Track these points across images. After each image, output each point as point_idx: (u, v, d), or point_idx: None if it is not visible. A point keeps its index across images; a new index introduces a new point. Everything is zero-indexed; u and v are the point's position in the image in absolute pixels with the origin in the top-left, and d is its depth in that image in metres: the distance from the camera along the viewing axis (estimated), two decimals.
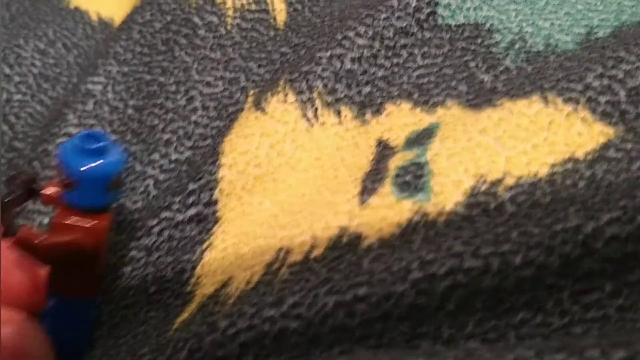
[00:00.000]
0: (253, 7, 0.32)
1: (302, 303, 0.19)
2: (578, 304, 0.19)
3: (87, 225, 0.22)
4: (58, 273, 0.22)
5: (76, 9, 0.36)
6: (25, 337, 0.20)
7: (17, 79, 0.31)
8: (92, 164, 0.22)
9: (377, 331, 0.19)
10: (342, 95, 0.27)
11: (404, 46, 0.28)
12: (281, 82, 0.27)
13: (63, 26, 0.34)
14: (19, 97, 0.31)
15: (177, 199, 0.24)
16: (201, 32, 0.31)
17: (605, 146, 0.22)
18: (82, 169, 0.22)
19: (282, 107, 0.26)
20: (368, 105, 0.26)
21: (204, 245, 0.24)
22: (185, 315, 0.22)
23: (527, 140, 0.22)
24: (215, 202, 0.24)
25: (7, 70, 0.31)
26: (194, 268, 0.23)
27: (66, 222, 0.22)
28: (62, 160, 0.22)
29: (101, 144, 0.22)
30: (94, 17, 0.35)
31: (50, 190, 0.23)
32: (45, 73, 0.32)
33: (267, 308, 0.20)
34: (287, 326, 0.19)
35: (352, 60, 0.27)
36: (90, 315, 0.23)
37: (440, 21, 0.29)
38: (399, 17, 0.28)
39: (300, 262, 0.21)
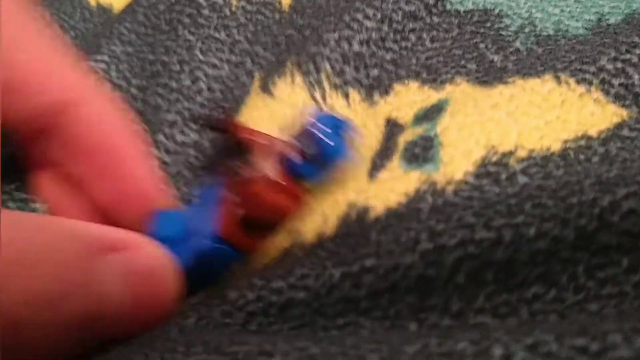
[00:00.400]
0: None
1: (309, 274, 0.19)
2: (593, 279, 0.18)
3: (300, 195, 0.22)
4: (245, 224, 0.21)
5: None
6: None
7: None
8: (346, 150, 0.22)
9: (383, 303, 0.18)
10: (350, 77, 0.26)
11: (413, 30, 0.28)
12: (288, 64, 0.27)
13: (61, 10, 0.34)
14: None
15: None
16: (205, 12, 0.30)
17: (619, 125, 0.22)
18: (344, 154, 0.22)
19: (290, 89, 0.26)
20: (376, 87, 0.26)
21: None
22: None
23: (540, 117, 0.22)
24: None
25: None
26: None
27: (288, 186, 0.22)
28: (327, 138, 0.22)
29: (345, 130, 0.23)
30: (92, 2, 0.35)
31: (274, 145, 0.22)
32: None
33: (276, 280, 0.19)
34: (293, 297, 0.19)
35: (361, 42, 0.27)
36: (230, 266, 0.22)
37: (448, 7, 0.28)
38: (407, 2, 0.28)
39: (313, 244, 0.21)
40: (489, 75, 0.24)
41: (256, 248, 0.22)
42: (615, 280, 0.18)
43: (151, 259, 0.19)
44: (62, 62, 0.22)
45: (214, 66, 0.29)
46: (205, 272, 0.21)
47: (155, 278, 0.19)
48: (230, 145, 0.23)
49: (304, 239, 0.21)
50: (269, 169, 0.22)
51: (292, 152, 0.22)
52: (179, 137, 0.27)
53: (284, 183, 0.22)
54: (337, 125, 0.22)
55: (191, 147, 0.26)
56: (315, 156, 0.22)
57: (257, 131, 0.23)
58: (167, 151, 0.26)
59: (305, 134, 0.22)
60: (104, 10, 0.35)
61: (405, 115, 0.24)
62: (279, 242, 0.22)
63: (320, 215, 0.21)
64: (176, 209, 0.24)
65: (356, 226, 0.20)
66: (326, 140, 0.22)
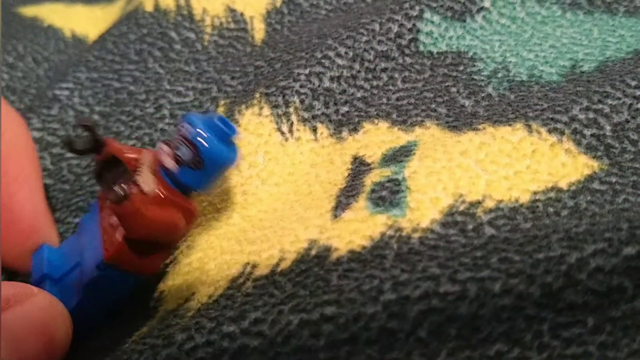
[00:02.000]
0: (232, 25, 0.31)
1: (264, 319, 0.18)
2: (558, 338, 0.17)
3: (190, 207, 0.21)
4: (133, 244, 0.20)
5: (49, 26, 0.35)
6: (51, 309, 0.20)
7: None
8: (232, 152, 0.21)
9: (343, 354, 0.17)
10: (319, 112, 0.26)
11: (385, 69, 0.27)
12: (257, 95, 0.26)
13: (35, 42, 0.34)
14: None
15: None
16: (177, 46, 0.30)
17: (590, 178, 0.22)
18: (226, 156, 0.21)
19: (257, 119, 0.25)
20: (345, 124, 0.26)
21: (168, 260, 0.22)
22: (144, 329, 0.21)
23: (509, 166, 0.22)
24: None
25: None
26: (156, 283, 0.22)
27: (173, 198, 0.20)
28: (203, 139, 0.20)
29: (234, 133, 0.21)
30: (68, 34, 0.35)
31: (145, 157, 0.21)
32: (12, 86, 0.31)
33: (227, 323, 0.18)
34: (247, 344, 0.18)
35: (331, 79, 0.26)
36: (131, 288, 0.21)
37: (422, 48, 0.28)
38: (380, 41, 0.28)
39: (266, 275, 0.20)
40: (459, 120, 0.24)
41: (155, 266, 0.21)
42: (580, 340, 0.17)
43: (35, 312, 0.20)
44: None
45: (179, 94, 0.28)
46: (102, 299, 0.21)
47: (41, 333, 0.19)
48: (103, 165, 0.22)
49: (256, 271, 0.20)
50: (144, 182, 0.20)
51: (166, 160, 0.21)
52: None
53: (163, 195, 0.20)
54: (215, 127, 0.21)
55: None
56: (194, 161, 0.20)
57: (127, 146, 0.22)
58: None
59: (180, 140, 0.21)
60: (79, 41, 0.35)
61: (373, 154, 0.24)
62: (227, 270, 0.21)
63: (278, 249, 0.21)
64: (62, 241, 0.23)
65: (316, 266, 0.20)
66: (202, 142, 0.20)
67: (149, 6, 0.32)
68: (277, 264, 0.20)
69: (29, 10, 0.37)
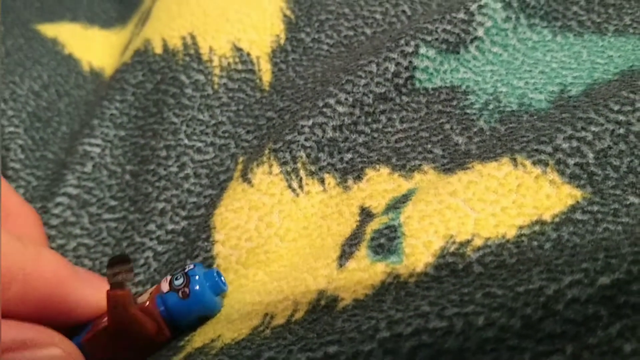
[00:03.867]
0: (239, 66, 0.33)
1: (276, 358, 0.20)
2: None
3: (166, 331, 0.24)
4: (113, 342, 0.24)
5: (70, 55, 0.37)
6: None
7: (10, 113, 0.32)
8: (215, 301, 0.24)
9: None
10: (325, 163, 0.28)
11: (383, 111, 0.29)
12: (266, 152, 0.28)
13: (57, 72, 0.36)
14: (11, 129, 0.32)
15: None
16: (188, 90, 0.32)
17: (573, 208, 0.23)
18: (210, 299, 0.24)
19: (268, 179, 0.27)
20: (350, 172, 0.27)
21: None
22: None
23: (496, 203, 0.23)
24: None
25: (2, 105, 0.33)
26: (191, 330, 0.24)
27: (156, 316, 0.24)
28: (196, 275, 0.24)
29: (226, 289, 0.25)
30: (86, 68, 0.37)
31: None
32: (38, 114, 0.33)
33: None
34: None
35: (334, 128, 0.28)
36: None
37: (417, 85, 0.30)
38: (378, 83, 0.29)
39: (283, 325, 0.22)
40: (453, 162, 0.26)
41: (123, 355, 0.24)
42: None
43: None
44: None
45: (199, 150, 0.30)
46: None
47: None
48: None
49: (274, 321, 0.22)
50: (140, 298, 0.24)
51: (163, 283, 0.24)
52: (170, 226, 0.28)
53: (146, 306, 0.24)
54: (211, 277, 0.24)
55: (181, 235, 0.28)
56: (182, 290, 0.24)
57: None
58: (159, 241, 0.28)
59: (180, 272, 0.24)
60: (97, 76, 0.36)
61: (377, 205, 0.25)
62: (249, 321, 0.23)
63: (292, 301, 0.23)
64: None
65: (325, 315, 0.22)
66: (195, 277, 0.24)
67: (158, 47, 0.34)
68: (292, 314, 0.22)
69: (49, 30, 0.38)
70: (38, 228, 0.26)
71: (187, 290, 0.24)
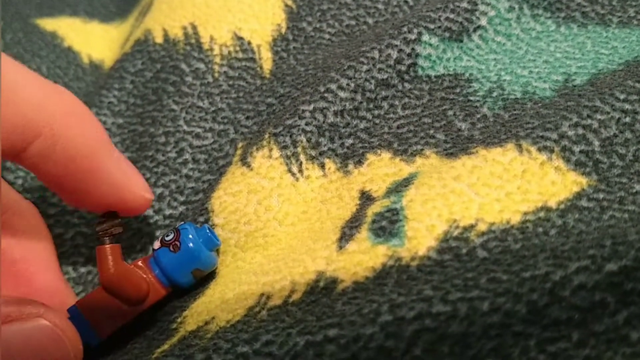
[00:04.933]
0: (240, 55, 0.32)
1: (274, 341, 0.20)
2: (544, 353, 0.19)
3: (159, 287, 0.24)
4: (106, 302, 0.23)
5: (69, 48, 0.37)
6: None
7: None
8: (207, 253, 0.24)
9: None
10: (326, 148, 0.27)
11: (385, 98, 0.29)
12: (266, 136, 0.28)
13: (56, 64, 0.35)
14: None
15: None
16: (188, 79, 0.32)
17: (578, 195, 0.23)
18: (201, 250, 0.24)
19: (268, 162, 0.27)
20: (350, 157, 0.27)
21: (197, 296, 0.24)
22: (165, 346, 0.23)
23: (501, 188, 0.23)
24: None
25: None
26: (182, 310, 0.24)
27: (149, 273, 0.24)
28: (186, 228, 0.24)
29: (219, 243, 0.25)
30: (85, 60, 0.36)
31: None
32: None
33: (242, 344, 0.20)
34: None
35: (335, 113, 0.28)
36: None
37: (420, 72, 0.29)
38: (380, 69, 0.29)
39: (279, 306, 0.22)
40: (456, 147, 0.25)
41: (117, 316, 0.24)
42: (565, 354, 0.19)
43: (35, 332, 0.21)
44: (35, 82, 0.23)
45: (198, 136, 0.30)
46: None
47: (36, 355, 0.21)
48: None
49: (270, 301, 0.22)
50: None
51: (155, 242, 0.24)
52: (168, 211, 0.28)
53: (139, 262, 0.24)
54: (203, 232, 0.24)
55: (179, 220, 0.28)
56: (173, 243, 0.24)
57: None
58: (157, 226, 0.28)
59: (172, 229, 0.25)
60: (96, 68, 0.36)
61: (378, 189, 0.25)
62: (245, 300, 0.23)
63: (289, 281, 0.22)
64: None
65: (324, 297, 0.21)
66: (185, 230, 0.24)
67: (158, 37, 0.33)
68: (289, 295, 0.22)
69: (48, 24, 0.38)
70: (37, 218, 0.26)
71: (177, 243, 0.24)
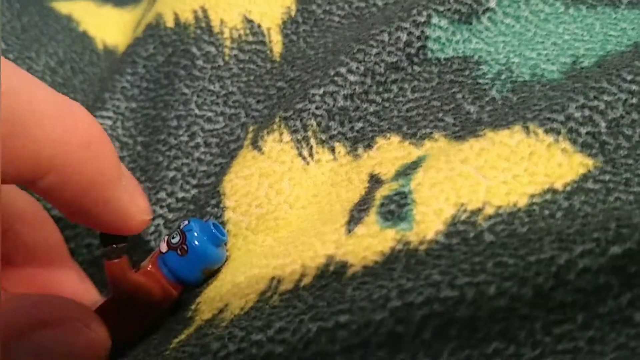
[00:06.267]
0: (250, 38, 0.33)
1: (287, 328, 0.20)
2: (550, 335, 0.19)
3: (170, 290, 0.24)
4: (112, 307, 0.24)
5: (84, 33, 0.37)
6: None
7: None
8: (216, 252, 0.25)
9: (357, 358, 0.20)
10: (336, 132, 0.28)
11: (395, 81, 0.29)
12: (276, 120, 0.28)
13: (72, 49, 0.36)
14: None
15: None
16: (199, 62, 0.32)
17: (584, 177, 0.23)
18: (209, 251, 0.24)
19: (279, 146, 0.27)
20: (360, 140, 0.27)
21: (209, 281, 0.25)
22: (182, 337, 0.23)
23: (508, 171, 0.23)
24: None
25: None
26: (196, 297, 0.24)
27: (159, 277, 0.24)
28: (191, 230, 0.24)
29: (225, 238, 0.25)
30: (100, 46, 0.37)
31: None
32: (54, 90, 0.33)
33: (256, 332, 0.21)
34: (272, 350, 0.20)
35: (345, 97, 0.28)
36: None
37: (429, 55, 0.29)
38: (389, 52, 0.29)
39: (291, 290, 0.22)
40: (464, 129, 0.26)
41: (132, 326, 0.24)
42: (570, 336, 0.19)
43: (67, 339, 0.21)
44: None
45: (209, 120, 0.30)
46: None
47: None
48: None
49: (281, 285, 0.23)
50: (145, 262, 0.25)
51: (162, 244, 0.24)
52: (180, 194, 0.28)
53: (148, 269, 0.24)
54: (208, 229, 0.25)
55: (191, 202, 0.28)
56: (180, 247, 0.24)
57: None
58: (170, 208, 0.28)
59: (177, 230, 0.25)
60: (110, 53, 0.36)
61: (387, 172, 0.25)
62: (256, 284, 0.23)
63: (299, 265, 0.23)
64: None
65: (334, 281, 0.22)
66: (191, 233, 0.24)
67: (169, 21, 0.34)
68: (300, 279, 0.22)
69: (63, 7, 0.38)
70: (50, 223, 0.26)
71: (184, 246, 0.24)
